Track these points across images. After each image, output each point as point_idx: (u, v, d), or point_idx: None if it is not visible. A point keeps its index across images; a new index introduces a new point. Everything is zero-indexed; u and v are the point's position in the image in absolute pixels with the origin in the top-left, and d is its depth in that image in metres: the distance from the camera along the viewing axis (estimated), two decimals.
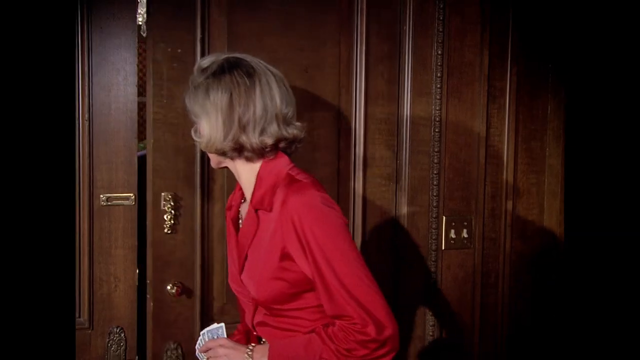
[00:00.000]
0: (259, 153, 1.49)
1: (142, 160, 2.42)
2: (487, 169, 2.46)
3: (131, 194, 2.13)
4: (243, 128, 1.44)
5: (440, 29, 2.33)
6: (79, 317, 2.12)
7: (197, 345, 1.57)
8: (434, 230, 2.40)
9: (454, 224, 2.43)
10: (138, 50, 2.15)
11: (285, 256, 1.43)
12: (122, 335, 2.15)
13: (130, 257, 2.14)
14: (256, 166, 1.51)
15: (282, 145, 1.50)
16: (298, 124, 1.53)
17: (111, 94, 2.10)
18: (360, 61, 2.28)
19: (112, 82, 2.09)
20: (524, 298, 2.57)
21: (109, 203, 2.11)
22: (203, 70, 1.48)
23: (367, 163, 2.32)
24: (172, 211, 2.10)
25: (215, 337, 1.53)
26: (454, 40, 2.37)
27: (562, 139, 2.55)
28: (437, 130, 2.36)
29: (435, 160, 2.37)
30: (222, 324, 1.55)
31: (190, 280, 2.14)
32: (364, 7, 2.27)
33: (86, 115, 2.07)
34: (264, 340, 1.55)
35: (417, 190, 2.37)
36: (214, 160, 1.57)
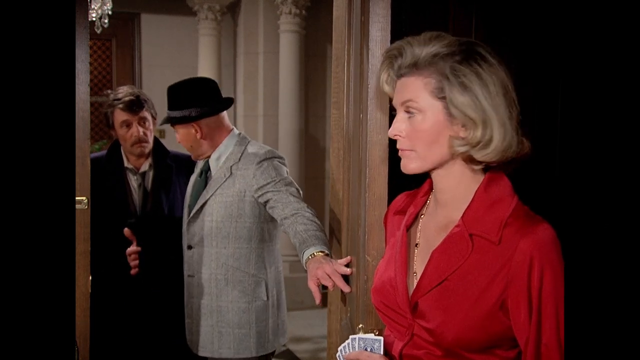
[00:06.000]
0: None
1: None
2: None
3: (84, 198, 2.03)
4: None
5: None
6: None
7: (341, 347, 1.38)
8: None
9: None
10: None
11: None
12: (74, 345, 2.06)
13: (82, 264, 2.04)
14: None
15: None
16: None
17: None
18: None
19: None
20: None
21: None
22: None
23: None
24: None
25: (369, 349, 1.35)
26: None
27: None
28: None
29: None
30: (381, 338, 1.35)
31: None
32: None
33: None
34: None
35: None
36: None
